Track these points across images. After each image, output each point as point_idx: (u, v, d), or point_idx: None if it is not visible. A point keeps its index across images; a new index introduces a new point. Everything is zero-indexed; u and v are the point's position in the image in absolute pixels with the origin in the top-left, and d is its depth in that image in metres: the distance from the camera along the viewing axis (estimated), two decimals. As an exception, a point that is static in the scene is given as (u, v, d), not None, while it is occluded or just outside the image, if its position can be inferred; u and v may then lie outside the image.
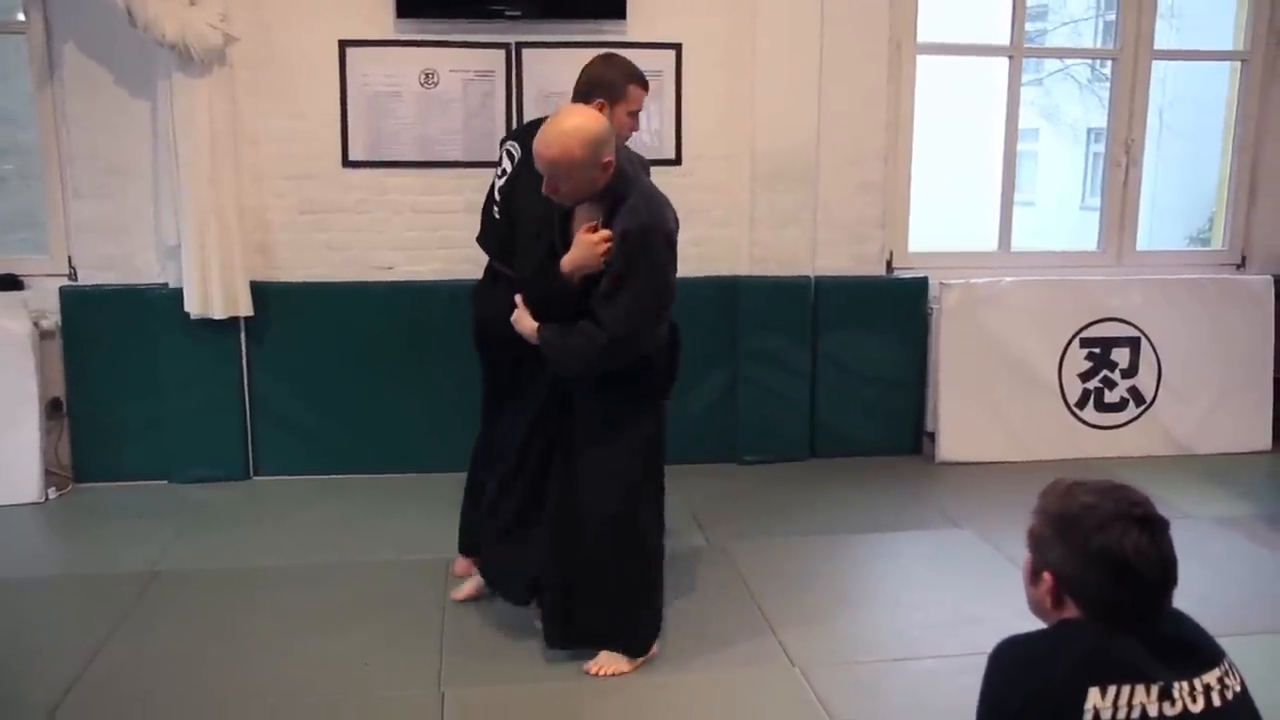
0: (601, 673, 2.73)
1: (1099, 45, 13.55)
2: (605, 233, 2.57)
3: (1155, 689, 1.41)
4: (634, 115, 3.04)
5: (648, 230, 2.58)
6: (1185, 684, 1.42)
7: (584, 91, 3.01)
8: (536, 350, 2.71)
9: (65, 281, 4.23)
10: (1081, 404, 4.69)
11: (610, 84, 2.99)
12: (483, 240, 3.17)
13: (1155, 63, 4.85)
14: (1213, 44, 7.29)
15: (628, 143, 2.95)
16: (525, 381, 2.96)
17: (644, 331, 2.65)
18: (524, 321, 2.70)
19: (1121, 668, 1.42)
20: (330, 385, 4.34)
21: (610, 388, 2.69)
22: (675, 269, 2.72)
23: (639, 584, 2.78)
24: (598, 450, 2.72)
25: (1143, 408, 4.72)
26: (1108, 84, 5.39)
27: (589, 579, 2.73)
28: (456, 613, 3.11)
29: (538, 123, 2.72)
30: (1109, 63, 5.04)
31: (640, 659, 2.79)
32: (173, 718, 2.55)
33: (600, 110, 2.80)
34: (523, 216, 2.94)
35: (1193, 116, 10.63)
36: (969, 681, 2.62)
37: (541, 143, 2.52)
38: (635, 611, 2.77)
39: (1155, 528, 1.48)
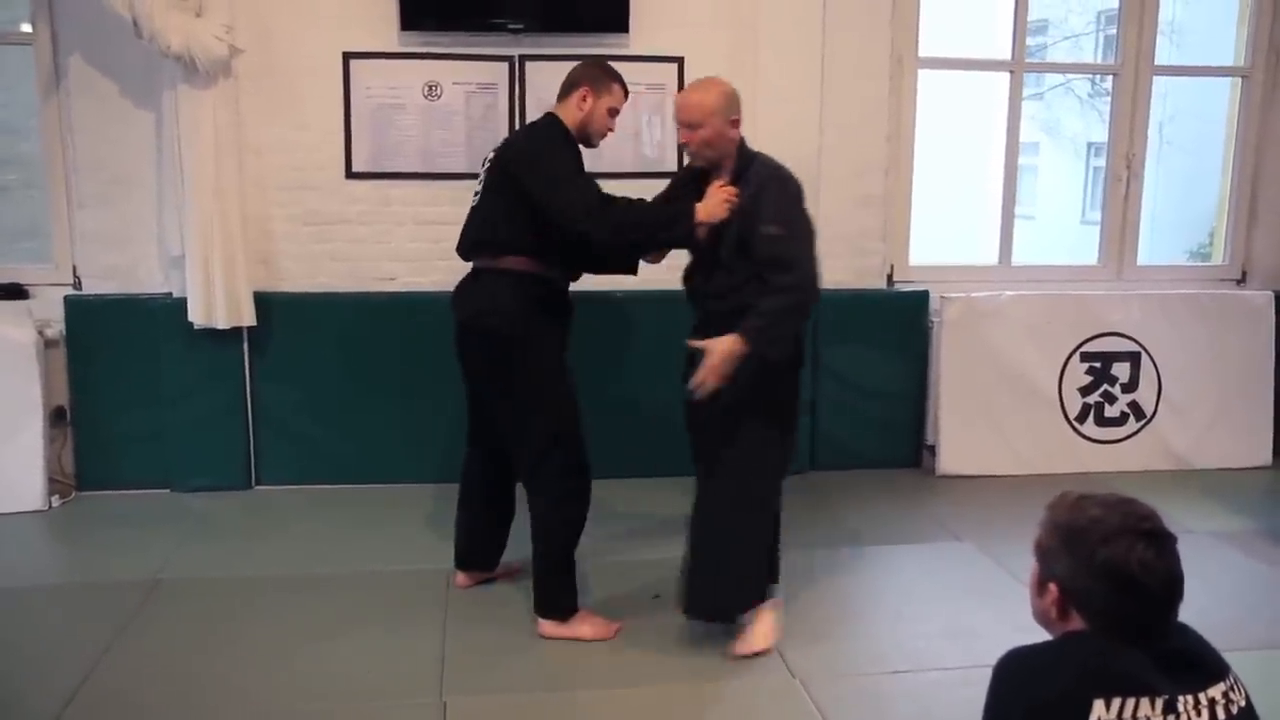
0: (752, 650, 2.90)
1: (1100, 60, 13.60)
2: (732, 189, 2.83)
3: (1160, 702, 1.41)
4: (613, 114, 3.10)
5: (784, 177, 2.86)
6: (1190, 698, 1.43)
7: (569, 84, 3.08)
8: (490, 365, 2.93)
9: (70, 291, 4.25)
10: (1081, 418, 4.69)
11: (595, 77, 3.06)
12: (459, 244, 3.17)
13: (1156, 78, 4.87)
14: (1213, 59, 7.32)
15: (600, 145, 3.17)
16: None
17: (818, 276, 2.83)
18: (721, 344, 2.74)
19: (1126, 680, 1.42)
20: (332, 395, 4.35)
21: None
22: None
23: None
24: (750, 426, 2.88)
25: (1143, 422, 4.73)
26: (1108, 98, 5.42)
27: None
28: (458, 622, 3.11)
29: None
30: (1110, 77, 5.07)
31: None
32: (174, 727, 2.55)
33: (583, 99, 3.01)
34: (533, 173, 2.94)
35: (1193, 131, 10.67)
36: (970, 694, 2.62)
37: (680, 96, 2.93)
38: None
39: (1162, 542, 1.48)
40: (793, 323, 2.85)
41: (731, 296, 2.85)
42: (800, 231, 2.82)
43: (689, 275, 3.06)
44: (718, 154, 2.87)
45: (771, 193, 2.79)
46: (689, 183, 3.03)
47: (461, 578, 3.35)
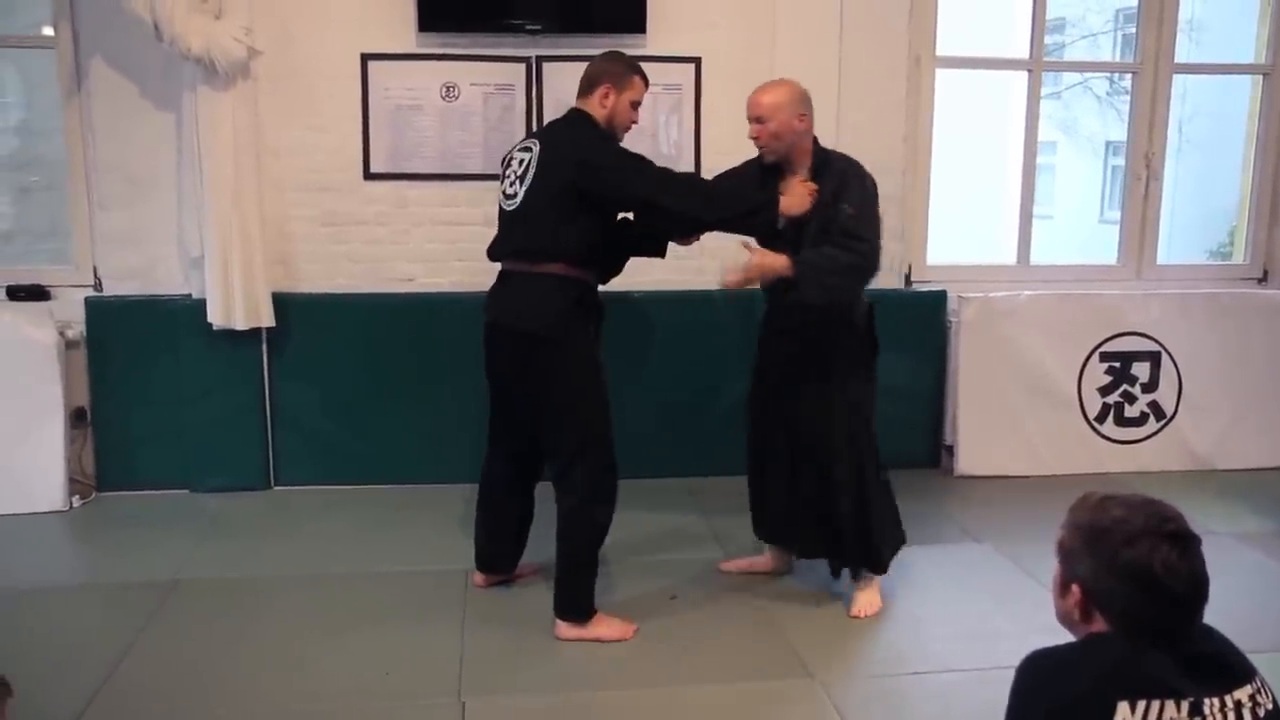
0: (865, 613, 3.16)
1: (1118, 59, 13.51)
2: (813, 185, 3.01)
3: (1185, 705, 1.40)
4: (635, 106, 3.13)
5: (863, 173, 3.08)
6: (1216, 701, 1.41)
7: (589, 81, 3.11)
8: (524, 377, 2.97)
9: (90, 292, 4.28)
10: (1101, 418, 4.67)
11: (615, 73, 3.09)
12: (491, 247, 3.16)
13: (1175, 76, 4.84)
14: (1233, 57, 7.27)
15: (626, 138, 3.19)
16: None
17: (880, 255, 3.07)
18: (769, 259, 2.99)
19: (1151, 683, 1.41)
20: (350, 396, 4.37)
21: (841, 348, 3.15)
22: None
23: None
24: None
25: (1163, 422, 4.70)
26: (1126, 97, 5.38)
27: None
28: (476, 622, 3.12)
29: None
30: (1128, 76, 5.03)
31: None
32: (194, 725, 2.57)
33: (605, 97, 3.07)
34: (615, 176, 3.00)
35: (1213, 130, 10.58)
36: (990, 695, 2.61)
37: (761, 94, 3.05)
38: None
39: (1186, 544, 1.46)
40: (846, 277, 3.02)
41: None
42: (873, 217, 3.06)
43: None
44: (786, 146, 3.05)
45: (852, 185, 3.01)
46: (757, 175, 3.18)
47: (480, 578, 3.36)
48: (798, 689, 2.76)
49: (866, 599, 3.21)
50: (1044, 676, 1.50)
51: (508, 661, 2.88)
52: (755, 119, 3.05)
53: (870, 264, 3.04)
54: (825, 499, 3.16)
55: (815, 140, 3.11)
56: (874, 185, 3.08)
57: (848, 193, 3.00)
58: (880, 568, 3.24)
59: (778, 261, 2.96)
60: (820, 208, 2.99)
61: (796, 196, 3.00)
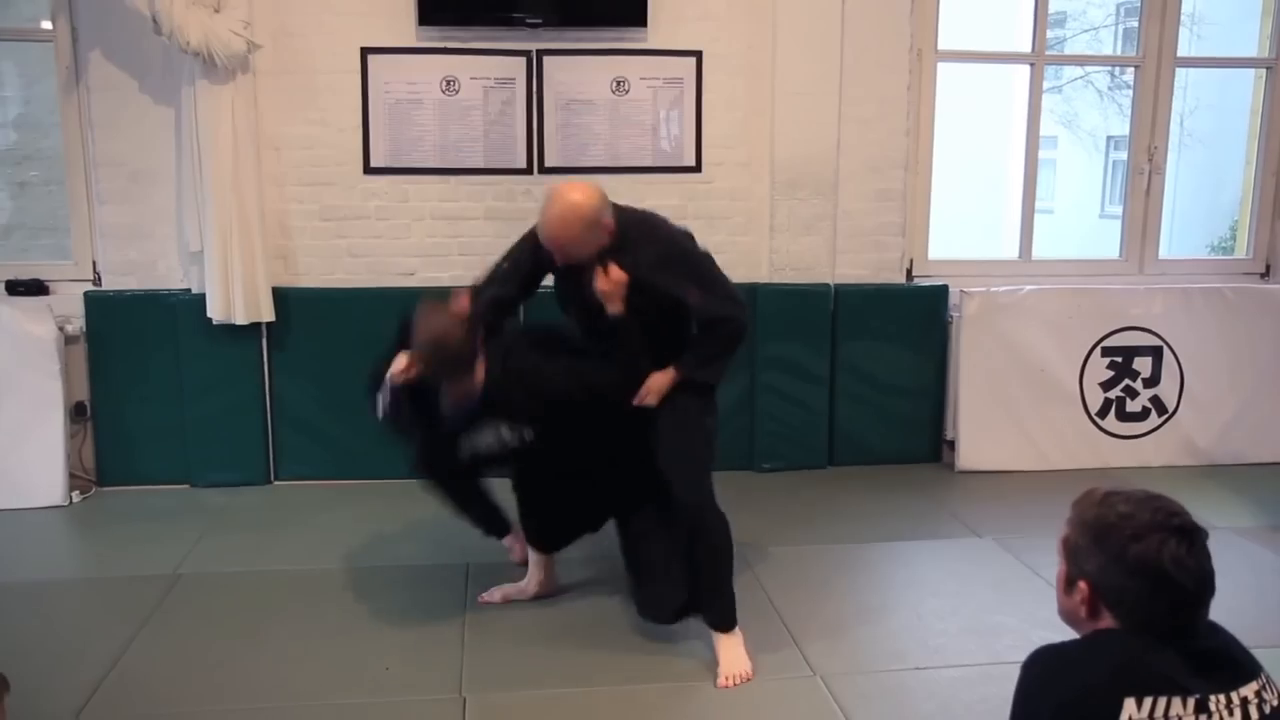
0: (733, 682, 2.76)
1: (1119, 52, 13.49)
2: (615, 271, 2.75)
3: (1191, 702, 1.39)
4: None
5: (663, 253, 2.82)
6: (1222, 697, 1.41)
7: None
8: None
9: (90, 286, 4.27)
10: (1103, 413, 4.66)
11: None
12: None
13: (1177, 70, 4.82)
14: (1236, 51, 7.25)
15: None
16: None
17: (744, 303, 2.92)
18: (661, 380, 2.84)
19: (1158, 679, 1.40)
20: (350, 391, 4.33)
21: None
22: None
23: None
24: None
25: (1165, 417, 4.69)
26: (1128, 91, 5.37)
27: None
28: (478, 617, 3.11)
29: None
30: (1130, 70, 5.02)
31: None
32: (196, 719, 2.57)
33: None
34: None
35: (1215, 124, 10.56)
36: (992, 690, 2.62)
37: (548, 232, 2.77)
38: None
39: (1193, 537, 1.46)
40: (727, 357, 2.93)
41: (637, 350, 2.85)
42: (710, 282, 2.85)
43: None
44: (593, 257, 2.80)
45: (667, 274, 2.78)
46: (529, 263, 2.96)
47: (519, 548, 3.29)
48: (799, 684, 2.76)
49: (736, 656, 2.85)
50: (1051, 673, 1.49)
51: (509, 656, 2.88)
52: (561, 254, 2.80)
53: (742, 331, 2.91)
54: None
55: (617, 224, 2.81)
56: (688, 245, 2.89)
57: (669, 274, 2.77)
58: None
59: (668, 377, 2.84)
60: (633, 285, 2.76)
61: (609, 291, 2.76)
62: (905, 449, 4.68)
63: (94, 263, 4.29)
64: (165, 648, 2.92)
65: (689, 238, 2.95)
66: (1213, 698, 1.40)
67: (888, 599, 3.39)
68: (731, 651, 2.82)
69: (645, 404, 2.85)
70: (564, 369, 2.88)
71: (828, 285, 4.52)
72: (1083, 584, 1.52)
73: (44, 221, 5.40)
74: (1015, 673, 1.57)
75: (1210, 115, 10.61)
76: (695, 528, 2.86)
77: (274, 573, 3.44)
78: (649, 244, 2.83)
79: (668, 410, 2.87)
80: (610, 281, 2.75)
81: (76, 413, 4.24)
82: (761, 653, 2.91)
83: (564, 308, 3.04)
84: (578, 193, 2.77)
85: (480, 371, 2.78)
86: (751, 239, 4.49)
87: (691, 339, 2.89)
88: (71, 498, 4.10)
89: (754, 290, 4.49)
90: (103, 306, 4.23)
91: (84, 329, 4.22)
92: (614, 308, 2.78)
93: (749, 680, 2.75)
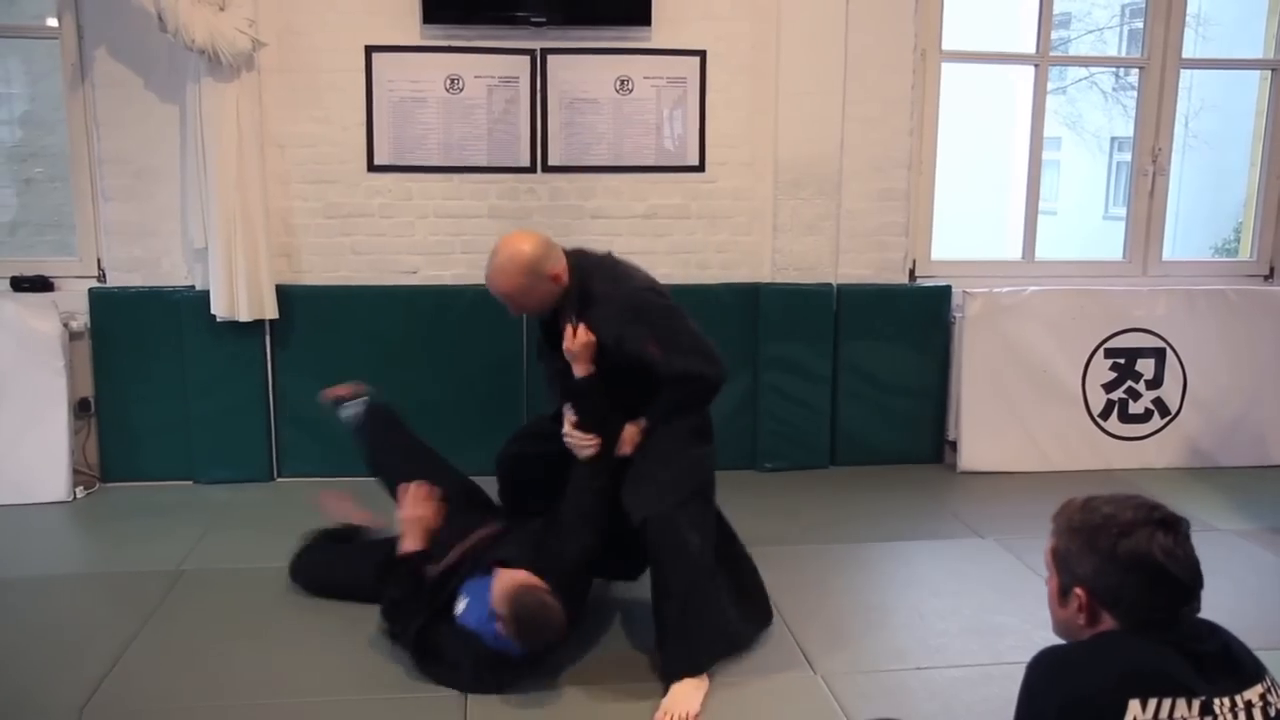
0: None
1: (1124, 53, 13.47)
2: (583, 333, 2.70)
3: (1197, 704, 1.40)
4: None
5: (625, 310, 2.72)
6: (1226, 700, 1.42)
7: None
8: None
9: (94, 283, 4.28)
10: (1105, 415, 4.66)
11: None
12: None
13: (1182, 71, 4.82)
14: (1242, 52, 7.25)
15: None
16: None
17: (718, 356, 2.76)
18: (629, 433, 2.77)
19: (1163, 681, 1.41)
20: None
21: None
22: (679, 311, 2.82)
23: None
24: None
25: (1167, 419, 4.69)
26: (1132, 92, 5.36)
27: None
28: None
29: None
30: (1134, 71, 5.02)
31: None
32: (198, 715, 2.57)
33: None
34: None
35: (1220, 125, 10.55)
36: (993, 691, 2.63)
37: (491, 282, 2.72)
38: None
39: (1178, 527, 1.50)
40: (697, 411, 2.82)
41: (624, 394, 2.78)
42: (675, 339, 2.72)
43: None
44: (552, 304, 2.77)
45: (630, 337, 2.69)
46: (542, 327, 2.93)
47: None
48: (800, 683, 2.76)
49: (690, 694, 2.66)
50: (1056, 674, 1.50)
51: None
52: (506, 302, 2.75)
53: (714, 387, 2.76)
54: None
55: (573, 263, 2.76)
56: (655, 300, 2.77)
57: (633, 345, 2.68)
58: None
59: (639, 428, 2.77)
60: (604, 353, 2.71)
61: (578, 353, 2.71)
62: (907, 449, 4.68)
63: (98, 259, 4.30)
64: (168, 643, 2.93)
65: (655, 291, 2.81)
66: (1217, 700, 1.41)
67: (889, 599, 3.39)
68: (686, 687, 2.61)
69: (622, 454, 2.77)
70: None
71: (830, 285, 4.53)
72: (1079, 590, 1.53)
73: (49, 218, 5.41)
74: (1017, 673, 1.57)
75: (1215, 117, 10.60)
76: (665, 547, 2.67)
77: (277, 569, 3.43)
78: (609, 300, 2.72)
79: (649, 440, 2.78)
80: (577, 343, 2.69)
81: (80, 409, 4.25)
82: (762, 652, 2.92)
83: (540, 361, 3.02)
84: (519, 240, 2.72)
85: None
86: (754, 238, 4.49)
87: (662, 390, 2.75)
88: (75, 493, 4.12)
89: (756, 290, 4.49)
90: (107, 303, 4.24)
91: (88, 325, 4.23)
92: (580, 369, 2.72)
93: None
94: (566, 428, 2.78)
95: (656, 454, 2.77)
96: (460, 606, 2.72)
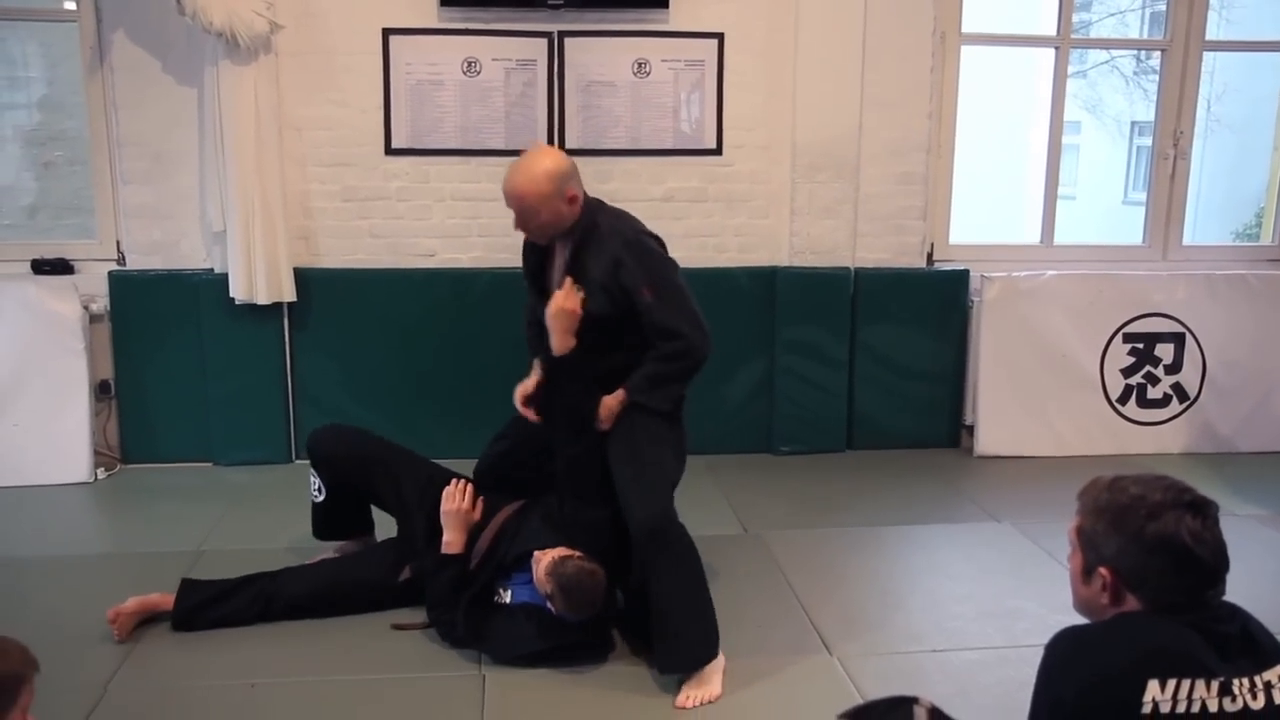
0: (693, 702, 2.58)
1: (1146, 36, 13.34)
2: (571, 296, 2.67)
3: (1216, 684, 1.40)
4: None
5: (633, 241, 2.70)
6: (1245, 681, 1.41)
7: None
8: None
9: (114, 266, 4.31)
10: (1123, 399, 4.64)
11: None
12: None
13: (1205, 53, 4.77)
14: (1266, 34, 7.15)
15: None
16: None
17: (704, 324, 2.73)
18: (608, 404, 2.75)
19: (1182, 661, 1.41)
20: (371, 371, 4.39)
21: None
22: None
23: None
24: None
25: (1186, 404, 4.66)
26: (1153, 76, 5.31)
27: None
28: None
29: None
30: (1156, 54, 4.96)
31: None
32: (219, 693, 2.60)
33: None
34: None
35: (1242, 109, 10.43)
36: (1009, 673, 2.63)
37: (509, 184, 2.67)
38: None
39: (1207, 510, 1.48)
40: (679, 384, 2.79)
41: (590, 362, 2.75)
42: (671, 287, 2.71)
43: (537, 342, 2.90)
44: (557, 231, 2.75)
45: (628, 265, 2.66)
46: (527, 256, 2.93)
47: None
48: (816, 665, 2.77)
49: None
50: (1074, 654, 1.49)
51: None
52: (518, 212, 2.68)
53: (693, 359, 2.73)
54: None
55: (585, 210, 2.73)
56: (656, 248, 2.74)
57: (630, 278, 2.65)
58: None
59: (619, 402, 2.74)
60: (599, 289, 2.68)
61: (559, 320, 2.68)
62: (924, 433, 4.68)
63: (118, 242, 4.33)
64: (189, 622, 2.96)
65: (659, 241, 2.79)
66: (1236, 681, 1.41)
67: (905, 582, 3.39)
68: (709, 669, 2.63)
69: (601, 429, 2.76)
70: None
71: (848, 269, 4.51)
72: (1103, 570, 1.51)
73: (69, 202, 5.44)
74: (1033, 656, 1.57)
75: (1237, 100, 10.49)
76: (655, 547, 2.64)
77: (295, 549, 3.46)
78: (615, 232, 2.70)
79: (623, 424, 2.76)
80: (560, 305, 2.67)
81: (101, 391, 4.29)
82: (779, 634, 2.93)
83: (533, 302, 2.95)
84: (549, 151, 2.75)
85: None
86: (772, 222, 4.48)
87: (645, 358, 2.72)
88: (96, 475, 4.16)
89: (774, 273, 4.49)
90: (127, 286, 4.27)
91: (108, 308, 4.26)
92: (559, 342, 2.70)
93: (713, 701, 2.57)
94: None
95: (635, 435, 2.75)
96: (507, 597, 2.79)
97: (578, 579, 2.63)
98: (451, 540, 2.89)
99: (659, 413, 2.78)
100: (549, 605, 2.69)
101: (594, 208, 2.77)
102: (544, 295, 2.81)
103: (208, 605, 2.91)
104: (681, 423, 2.90)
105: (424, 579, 2.92)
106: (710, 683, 2.61)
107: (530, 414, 2.88)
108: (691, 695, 2.57)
